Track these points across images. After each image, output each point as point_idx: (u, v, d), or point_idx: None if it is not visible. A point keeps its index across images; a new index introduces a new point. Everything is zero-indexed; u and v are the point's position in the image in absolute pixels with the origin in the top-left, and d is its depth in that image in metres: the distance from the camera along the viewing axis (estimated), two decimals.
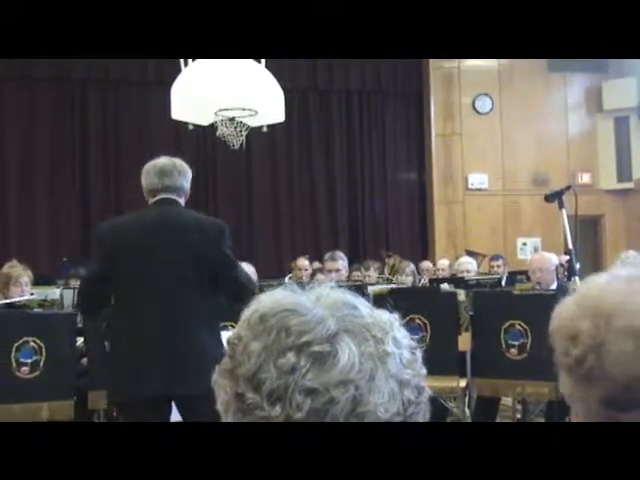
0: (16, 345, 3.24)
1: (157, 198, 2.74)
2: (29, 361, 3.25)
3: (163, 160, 2.80)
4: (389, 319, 0.74)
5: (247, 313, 0.74)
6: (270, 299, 0.74)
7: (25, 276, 4.17)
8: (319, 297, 0.74)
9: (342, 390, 0.68)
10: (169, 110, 5.66)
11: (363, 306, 0.75)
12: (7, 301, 3.99)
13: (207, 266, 2.65)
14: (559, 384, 0.81)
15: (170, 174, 2.74)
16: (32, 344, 3.26)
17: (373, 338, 0.71)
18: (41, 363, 3.26)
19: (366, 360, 0.70)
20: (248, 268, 3.86)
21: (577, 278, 3.09)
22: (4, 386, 3.23)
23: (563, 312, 0.80)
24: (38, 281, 4.75)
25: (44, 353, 3.27)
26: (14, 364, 3.23)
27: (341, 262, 5.00)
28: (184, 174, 2.79)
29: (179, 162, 2.82)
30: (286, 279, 5.91)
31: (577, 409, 0.78)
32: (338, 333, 0.70)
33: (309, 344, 0.69)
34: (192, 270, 2.63)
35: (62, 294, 4.27)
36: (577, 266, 3.19)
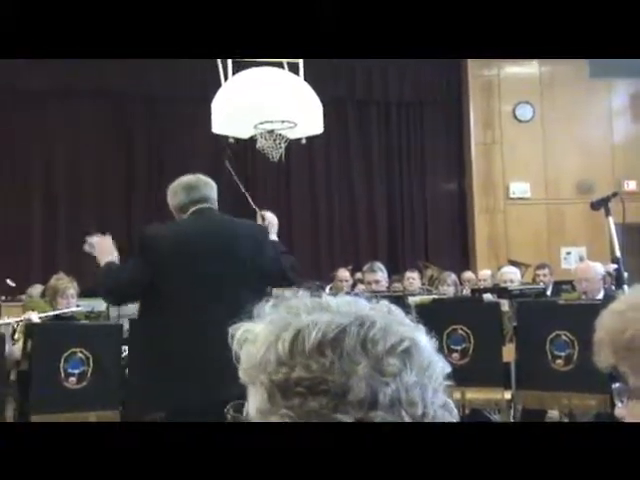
0: (64, 356, 3.32)
1: (194, 208, 2.74)
2: (77, 371, 3.33)
3: (186, 177, 2.82)
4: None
5: (311, 344, 0.70)
6: (326, 322, 0.72)
7: (71, 288, 4.27)
8: (339, 304, 0.75)
9: (427, 374, 0.71)
10: (210, 124, 5.74)
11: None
12: (55, 312, 4.09)
13: (260, 270, 2.68)
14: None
15: (196, 187, 2.76)
16: (80, 355, 3.34)
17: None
18: (88, 373, 3.33)
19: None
20: None
21: (626, 287, 3.01)
22: (53, 396, 3.31)
23: (628, 322, 0.79)
24: (85, 293, 4.86)
25: (91, 364, 3.34)
26: (62, 374, 3.31)
27: (380, 273, 4.97)
28: (210, 185, 2.81)
29: (202, 176, 2.83)
30: (327, 289, 5.91)
31: None
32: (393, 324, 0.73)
33: (394, 345, 0.71)
34: (249, 276, 2.64)
35: (108, 306, 4.36)
36: (625, 275, 3.11)
